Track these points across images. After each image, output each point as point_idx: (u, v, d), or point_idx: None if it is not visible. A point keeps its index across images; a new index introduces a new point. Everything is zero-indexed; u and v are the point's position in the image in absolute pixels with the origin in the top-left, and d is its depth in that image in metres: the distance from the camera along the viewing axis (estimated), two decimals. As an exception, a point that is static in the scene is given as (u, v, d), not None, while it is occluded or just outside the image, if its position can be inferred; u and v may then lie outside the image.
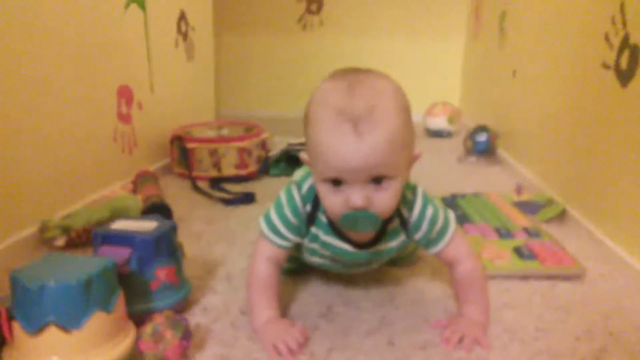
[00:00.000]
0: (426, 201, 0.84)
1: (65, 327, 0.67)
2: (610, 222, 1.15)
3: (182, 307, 0.87)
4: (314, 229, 0.85)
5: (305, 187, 0.84)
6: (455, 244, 0.86)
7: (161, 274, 0.83)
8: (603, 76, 1.20)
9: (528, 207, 1.36)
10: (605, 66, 1.20)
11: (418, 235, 0.85)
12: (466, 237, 0.90)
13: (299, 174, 0.91)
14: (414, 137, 0.77)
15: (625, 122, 1.10)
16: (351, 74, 0.75)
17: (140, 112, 1.65)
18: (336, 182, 0.73)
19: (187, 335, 0.74)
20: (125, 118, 1.54)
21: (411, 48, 3.12)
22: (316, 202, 0.83)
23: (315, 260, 0.92)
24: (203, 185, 1.64)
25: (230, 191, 1.58)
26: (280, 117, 2.90)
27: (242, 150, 1.73)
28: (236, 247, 1.17)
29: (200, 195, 1.56)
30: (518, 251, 1.07)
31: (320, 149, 0.72)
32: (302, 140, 1.90)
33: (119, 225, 0.86)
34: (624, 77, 1.11)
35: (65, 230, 1.08)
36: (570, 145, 1.39)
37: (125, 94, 1.54)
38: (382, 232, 0.85)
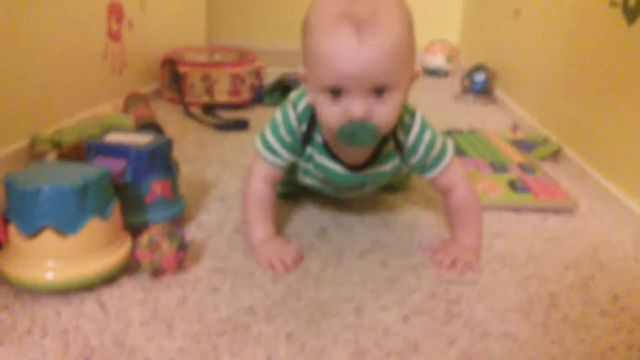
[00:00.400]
0: (424, 126, 0.83)
1: (61, 232, 0.67)
2: (604, 161, 1.15)
3: (176, 222, 0.87)
4: (309, 149, 0.84)
5: (300, 105, 0.82)
6: (451, 171, 0.85)
7: (156, 187, 0.83)
8: (609, 14, 1.18)
9: (523, 145, 1.36)
10: (612, 3, 1.17)
11: (413, 160, 0.84)
12: (462, 166, 0.89)
13: (294, 93, 0.88)
14: (415, 53, 0.74)
15: (628, 61, 1.08)
16: None
17: (131, 32, 1.60)
18: (335, 92, 0.70)
19: (183, 246, 0.74)
20: (115, 36, 1.49)
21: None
22: (312, 121, 0.82)
23: (309, 181, 0.91)
24: (195, 111, 1.62)
25: (222, 117, 1.56)
26: (273, 49, 2.82)
27: (235, 77, 1.69)
28: (229, 170, 1.17)
29: (192, 120, 1.54)
30: (512, 184, 1.08)
31: (319, 55, 0.69)
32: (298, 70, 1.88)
33: (113, 137, 0.85)
34: (632, 14, 1.09)
35: (56, 144, 1.07)
36: (568, 86, 1.38)
37: (115, 11, 1.48)
38: (377, 154, 0.83)
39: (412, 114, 0.83)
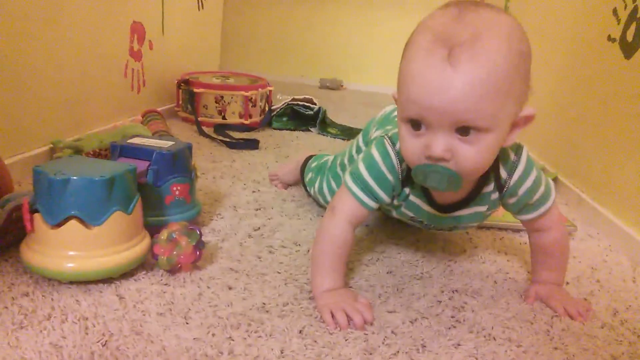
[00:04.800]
0: (530, 165, 0.73)
1: (86, 222, 0.69)
2: (600, 189, 1.19)
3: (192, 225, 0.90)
4: (407, 189, 0.76)
5: (399, 143, 0.72)
6: (551, 214, 0.78)
7: (175, 189, 0.86)
8: (607, 49, 1.24)
9: (524, 173, 1.40)
10: (610, 39, 1.23)
11: (511, 201, 0.76)
12: (557, 206, 0.82)
13: (384, 130, 0.80)
14: (528, 91, 0.63)
15: (625, 93, 1.13)
16: (469, 3, 0.61)
17: (151, 52, 1.66)
18: (415, 125, 0.62)
19: (200, 244, 0.77)
20: (136, 55, 1.55)
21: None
22: None
23: (395, 215, 0.85)
24: (208, 130, 1.66)
25: (234, 137, 1.60)
26: (281, 82, 2.91)
27: (247, 100, 1.74)
28: (241, 183, 1.20)
29: (204, 139, 1.59)
30: (514, 207, 1.11)
31: (405, 79, 0.61)
32: (307, 96, 1.93)
33: (137, 140, 0.89)
34: (629, 49, 1.15)
35: (77, 151, 1.10)
36: (565, 117, 1.43)
37: (137, 31, 1.54)
38: (475, 194, 0.75)
39: (518, 150, 0.73)
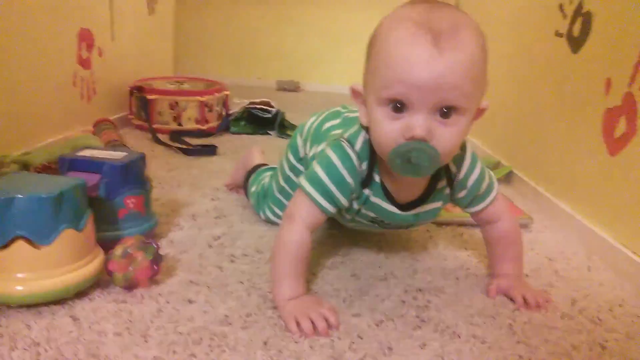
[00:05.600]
0: (475, 159, 0.78)
1: (34, 242, 0.66)
2: (554, 182, 1.22)
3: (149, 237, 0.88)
4: (367, 190, 0.76)
5: (358, 144, 0.74)
6: (497, 204, 0.81)
7: (129, 202, 0.83)
8: (555, 44, 1.27)
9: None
10: (558, 34, 1.26)
11: (461, 194, 0.79)
12: (503, 197, 0.84)
13: (341, 132, 0.79)
14: (486, 86, 0.67)
15: (573, 87, 1.17)
16: (434, 1, 0.65)
17: (101, 60, 1.61)
18: (397, 107, 0.63)
19: (157, 258, 0.74)
20: (85, 63, 1.50)
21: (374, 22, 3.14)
22: (372, 160, 0.74)
23: (351, 223, 0.86)
24: (163, 137, 1.62)
25: (190, 143, 1.57)
26: (238, 85, 2.87)
27: (203, 105, 1.71)
28: (199, 191, 1.18)
29: (160, 146, 1.55)
30: (473, 202, 1.13)
31: (390, 61, 0.62)
32: (264, 99, 1.91)
33: (87, 152, 0.85)
34: (576, 44, 1.18)
35: (24, 165, 1.05)
36: (517, 112, 1.46)
37: (85, 38, 1.49)
38: (431, 190, 0.77)
39: (463, 146, 0.76)
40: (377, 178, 0.75)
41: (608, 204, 0.99)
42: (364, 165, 0.74)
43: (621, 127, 0.96)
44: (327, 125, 0.90)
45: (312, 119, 0.95)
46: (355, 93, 0.71)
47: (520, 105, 1.46)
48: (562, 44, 1.23)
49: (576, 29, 1.18)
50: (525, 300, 0.77)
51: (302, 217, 0.74)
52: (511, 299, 0.79)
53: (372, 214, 0.80)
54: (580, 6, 1.17)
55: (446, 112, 0.62)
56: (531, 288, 0.81)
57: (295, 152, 0.96)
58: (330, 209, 0.75)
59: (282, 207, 0.96)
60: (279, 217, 0.98)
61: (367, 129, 0.72)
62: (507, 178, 1.41)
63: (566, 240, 1.05)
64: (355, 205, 0.78)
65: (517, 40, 1.52)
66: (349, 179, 0.74)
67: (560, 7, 1.26)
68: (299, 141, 0.96)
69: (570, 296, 0.82)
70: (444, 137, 0.63)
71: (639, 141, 0.91)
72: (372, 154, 0.73)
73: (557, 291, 0.84)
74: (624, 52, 0.97)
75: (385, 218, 0.80)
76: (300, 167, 0.94)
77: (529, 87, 1.42)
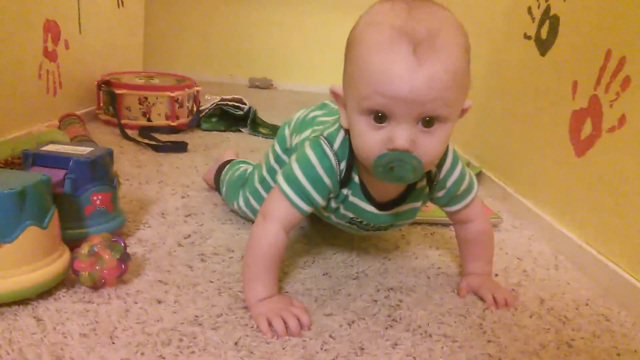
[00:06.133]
0: (456, 159, 0.77)
1: (-5, 240, 0.63)
2: (522, 182, 1.25)
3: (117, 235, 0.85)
4: (345, 190, 0.75)
5: (336, 143, 0.73)
6: (474, 204, 0.81)
7: (96, 199, 0.81)
8: (524, 46, 1.29)
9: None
10: (527, 37, 1.29)
11: (440, 194, 0.78)
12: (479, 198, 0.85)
13: (321, 129, 0.78)
14: (469, 84, 0.65)
15: (541, 89, 1.19)
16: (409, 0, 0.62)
17: (67, 52, 1.56)
18: (378, 117, 0.62)
19: (125, 257, 0.73)
20: (51, 55, 1.45)
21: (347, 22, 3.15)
22: (350, 160, 0.73)
23: (331, 221, 0.84)
24: (132, 133, 1.59)
25: (160, 140, 1.54)
26: (210, 82, 2.84)
27: (173, 101, 1.68)
28: (169, 188, 1.15)
29: (128, 142, 1.51)
30: (444, 202, 1.14)
31: (366, 70, 0.60)
32: (236, 96, 1.89)
33: (52, 147, 0.82)
34: (544, 46, 1.20)
35: (-16, 160, 1.01)
36: (486, 113, 1.49)
37: (51, 30, 1.44)
38: (411, 190, 0.77)
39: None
40: (356, 178, 0.74)
41: (574, 205, 1.01)
42: (342, 165, 0.73)
43: (587, 129, 0.98)
44: (312, 114, 0.90)
45: (300, 112, 0.95)
46: (335, 95, 0.69)
47: (490, 106, 1.48)
48: (530, 46, 1.26)
49: (544, 32, 1.21)
50: (494, 299, 0.78)
51: (277, 216, 0.73)
52: (481, 298, 0.80)
53: (350, 214, 0.79)
54: (547, 9, 1.20)
55: (429, 121, 0.61)
56: (500, 287, 0.82)
57: (282, 142, 0.95)
58: (306, 208, 0.74)
59: (259, 199, 0.93)
60: (252, 209, 0.95)
61: (347, 131, 0.71)
62: (477, 178, 1.43)
63: (534, 240, 1.07)
64: (333, 204, 0.77)
65: (487, 42, 1.54)
66: (326, 180, 0.72)
67: (529, 9, 1.28)
68: (287, 132, 0.95)
69: (539, 295, 0.84)
70: (427, 147, 0.62)
71: (604, 143, 0.93)
72: (350, 154, 0.72)
73: (525, 290, 0.85)
74: (590, 56, 0.99)
75: (364, 218, 0.79)
76: (285, 158, 0.93)
77: (499, 89, 1.44)
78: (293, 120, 0.94)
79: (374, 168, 0.64)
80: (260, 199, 0.93)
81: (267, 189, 0.92)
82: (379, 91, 0.59)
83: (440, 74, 0.58)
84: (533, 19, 1.26)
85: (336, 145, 0.73)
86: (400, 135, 0.60)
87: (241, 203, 0.97)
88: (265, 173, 0.95)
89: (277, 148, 0.96)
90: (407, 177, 0.64)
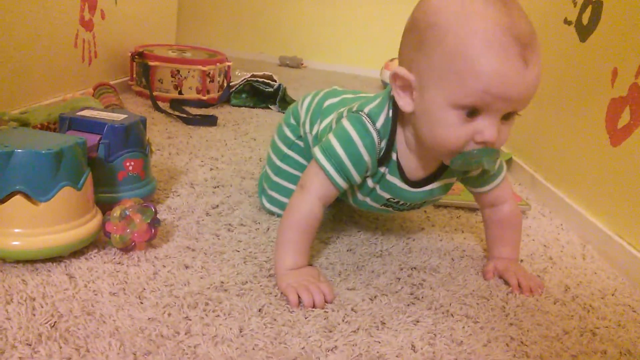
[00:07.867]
0: None
1: (32, 198, 0.65)
2: (553, 170, 1.23)
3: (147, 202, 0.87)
4: (382, 168, 0.76)
5: (380, 120, 0.73)
6: (504, 186, 0.82)
7: (129, 165, 0.82)
8: (563, 31, 1.26)
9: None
10: (567, 22, 1.25)
11: (475, 172, 0.79)
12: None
13: (360, 105, 0.76)
14: None
15: (579, 76, 1.16)
16: None
17: (103, 22, 1.58)
18: (472, 113, 0.63)
19: (155, 222, 0.74)
20: (87, 24, 1.47)
21: (379, 8, 3.11)
22: (392, 139, 0.73)
23: (362, 205, 0.84)
24: (163, 105, 1.61)
25: (191, 113, 1.56)
26: (240, 58, 2.85)
27: (204, 75, 1.69)
28: (198, 160, 1.17)
29: (159, 114, 1.53)
30: (471, 186, 1.13)
31: (478, 71, 0.60)
32: (266, 72, 1.90)
33: (87, 113, 0.84)
34: (584, 32, 1.17)
35: (23, 124, 1.04)
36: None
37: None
38: (446, 167, 0.77)
39: None
40: (394, 156, 0.74)
41: (606, 195, 0.99)
42: (383, 143, 0.73)
43: (625, 117, 0.95)
44: (327, 103, 0.88)
45: (307, 99, 0.92)
46: (397, 77, 0.67)
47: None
48: (570, 31, 1.22)
49: (585, 17, 1.17)
50: (519, 284, 0.78)
51: (315, 189, 0.74)
52: (506, 282, 0.79)
53: (387, 195, 0.79)
54: (591, -6, 1.16)
55: (511, 113, 0.65)
56: (527, 273, 0.82)
57: (295, 130, 0.93)
58: (343, 184, 0.74)
59: (281, 190, 0.91)
60: (278, 204, 0.92)
61: (395, 111, 0.72)
62: (507, 165, 1.41)
63: (562, 229, 1.06)
64: (370, 183, 0.77)
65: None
66: (366, 157, 0.73)
67: (571, -6, 1.25)
68: (293, 121, 0.93)
69: (564, 283, 0.83)
70: (504, 136, 0.66)
71: (642, 133, 0.91)
72: (392, 133, 0.73)
73: (550, 277, 0.84)
74: (632, 43, 0.96)
75: (401, 198, 0.79)
76: (301, 144, 0.92)
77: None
78: (302, 108, 0.91)
79: (454, 160, 0.67)
80: (283, 190, 0.91)
81: (288, 177, 0.91)
82: (491, 92, 0.60)
83: (539, 75, 0.62)
84: (575, 4, 1.23)
85: (379, 123, 0.72)
86: (492, 129, 0.63)
87: (267, 205, 0.94)
88: (280, 162, 0.92)
89: (290, 135, 0.92)
90: (490, 167, 0.70)
